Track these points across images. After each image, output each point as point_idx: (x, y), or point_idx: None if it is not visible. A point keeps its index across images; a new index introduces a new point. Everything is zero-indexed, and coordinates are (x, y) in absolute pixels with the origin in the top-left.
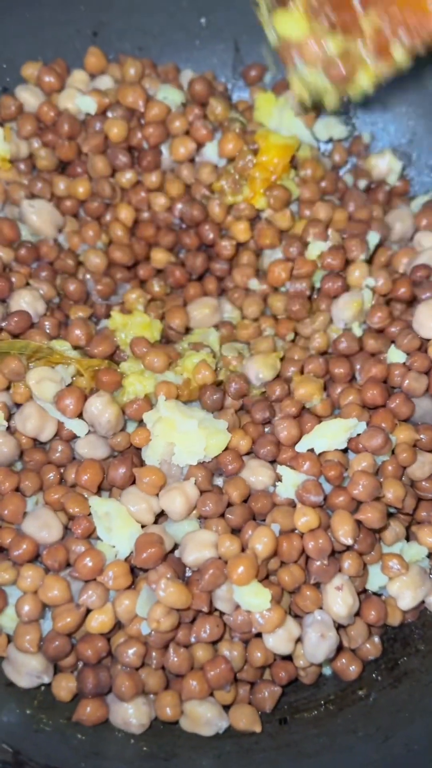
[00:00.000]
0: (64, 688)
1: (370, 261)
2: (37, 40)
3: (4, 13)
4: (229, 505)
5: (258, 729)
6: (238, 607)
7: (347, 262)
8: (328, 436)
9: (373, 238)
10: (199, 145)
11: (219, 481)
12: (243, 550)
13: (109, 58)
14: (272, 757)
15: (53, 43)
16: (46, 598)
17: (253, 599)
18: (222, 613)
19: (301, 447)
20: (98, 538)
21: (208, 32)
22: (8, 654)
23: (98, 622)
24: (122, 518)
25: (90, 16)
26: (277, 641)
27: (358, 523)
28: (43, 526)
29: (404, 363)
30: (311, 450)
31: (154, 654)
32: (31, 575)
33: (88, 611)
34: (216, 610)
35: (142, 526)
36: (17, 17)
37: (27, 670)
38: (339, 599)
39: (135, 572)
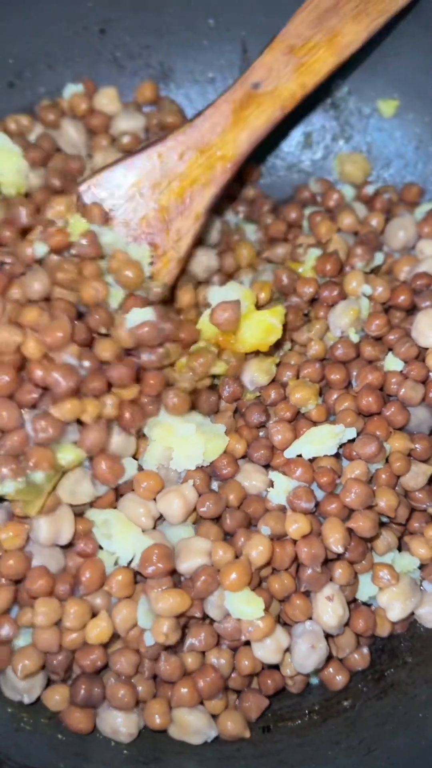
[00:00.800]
0: (55, 699)
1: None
2: (44, 36)
3: (10, 10)
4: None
5: (247, 735)
6: (228, 614)
7: (342, 270)
8: (315, 442)
9: (378, 258)
10: None
11: (214, 486)
12: (236, 557)
13: (116, 55)
14: (253, 765)
15: (60, 39)
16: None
17: (245, 607)
18: (212, 621)
19: (290, 453)
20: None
21: (215, 33)
22: None
23: (97, 631)
24: (121, 524)
25: (97, 13)
26: (266, 651)
27: (350, 531)
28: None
29: (401, 371)
30: (300, 455)
31: (146, 663)
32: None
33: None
34: (207, 617)
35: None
36: (24, 13)
37: (12, 684)
38: (329, 609)
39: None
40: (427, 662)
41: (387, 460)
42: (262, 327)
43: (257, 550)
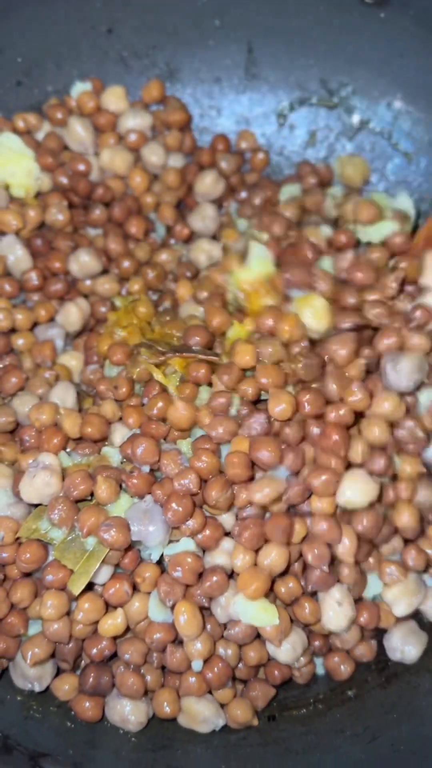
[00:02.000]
0: (64, 689)
1: None
2: (52, 36)
3: (19, 9)
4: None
5: (255, 723)
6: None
7: None
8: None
9: None
10: None
11: None
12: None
13: (123, 55)
14: (259, 753)
15: (68, 39)
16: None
17: (261, 614)
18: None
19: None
20: None
21: (222, 33)
22: None
23: (110, 624)
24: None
25: (105, 13)
26: (282, 654)
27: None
28: None
29: None
30: None
31: (155, 653)
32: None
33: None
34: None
35: None
36: (33, 12)
37: (22, 672)
38: (340, 613)
39: None
40: (430, 652)
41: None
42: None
43: (271, 557)
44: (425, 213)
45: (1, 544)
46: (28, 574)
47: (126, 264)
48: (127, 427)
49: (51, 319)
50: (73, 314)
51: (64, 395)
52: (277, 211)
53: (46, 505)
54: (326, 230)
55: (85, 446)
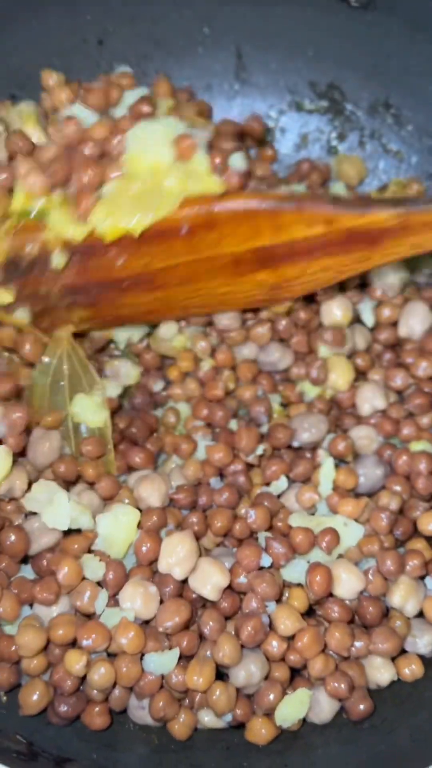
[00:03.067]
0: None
1: None
2: (44, 48)
3: (11, 22)
4: None
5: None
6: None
7: None
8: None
9: None
10: None
11: None
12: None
13: (114, 65)
14: (279, 748)
15: (60, 51)
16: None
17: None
18: None
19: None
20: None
21: (210, 40)
22: None
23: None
24: None
25: (96, 24)
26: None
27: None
28: None
29: None
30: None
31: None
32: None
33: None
34: None
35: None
36: (24, 25)
37: None
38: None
39: None
40: None
41: None
42: None
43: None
44: None
45: None
46: None
47: None
48: None
49: None
50: None
51: None
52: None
53: None
54: None
55: None
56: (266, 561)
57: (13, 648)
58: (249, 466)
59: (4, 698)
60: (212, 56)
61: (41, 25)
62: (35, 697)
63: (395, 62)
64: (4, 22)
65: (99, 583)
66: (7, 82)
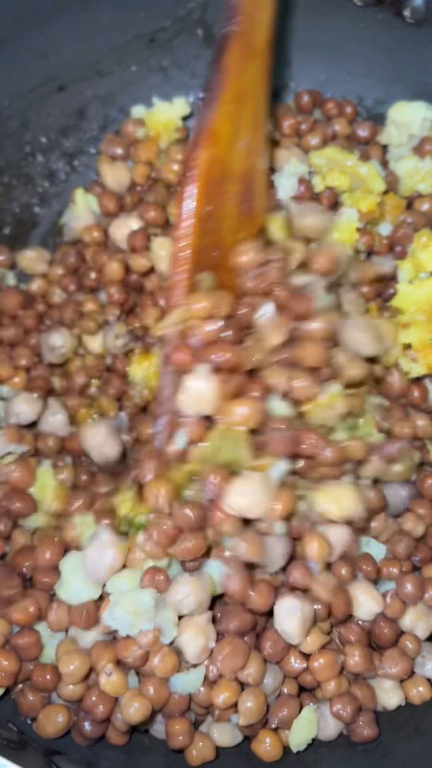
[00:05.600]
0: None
1: None
2: (94, 43)
3: (62, 15)
4: None
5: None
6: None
7: None
8: None
9: None
10: None
11: None
12: None
13: (164, 65)
14: (272, 764)
15: (110, 46)
16: None
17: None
18: None
19: None
20: None
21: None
22: None
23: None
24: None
25: (147, 22)
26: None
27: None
28: None
29: None
30: None
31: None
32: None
33: None
34: None
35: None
36: (76, 19)
37: None
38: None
39: None
40: None
41: None
42: None
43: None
44: None
45: None
46: None
47: None
48: None
49: None
50: None
51: None
52: None
53: None
54: None
55: None
56: None
57: (48, 677)
58: None
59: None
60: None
61: (92, 20)
62: (60, 720)
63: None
64: (56, 15)
65: None
66: (55, 73)
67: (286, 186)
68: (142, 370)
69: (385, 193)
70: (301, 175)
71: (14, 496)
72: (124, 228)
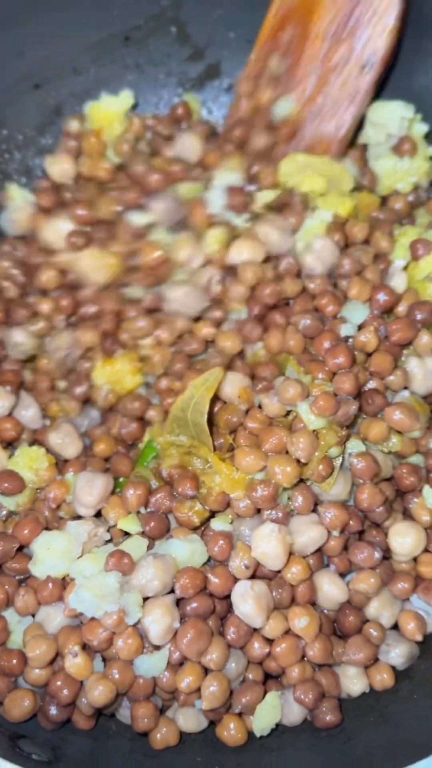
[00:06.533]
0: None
1: None
2: (69, 41)
3: (38, 14)
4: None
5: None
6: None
7: None
8: None
9: None
10: None
11: None
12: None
13: (140, 62)
14: (236, 749)
15: (86, 46)
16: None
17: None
18: None
19: None
20: None
21: (236, 44)
22: None
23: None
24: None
25: (121, 20)
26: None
27: None
28: None
29: None
30: None
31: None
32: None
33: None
34: None
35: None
36: (52, 18)
37: None
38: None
39: None
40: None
41: None
42: None
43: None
44: None
45: None
46: None
47: None
48: None
49: None
50: None
51: None
52: None
53: None
54: None
55: None
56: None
57: (15, 662)
58: None
59: None
60: (239, 59)
61: (67, 18)
62: (26, 705)
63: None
64: (31, 14)
65: None
66: (32, 71)
67: (217, 198)
68: (105, 375)
69: (358, 190)
70: (234, 185)
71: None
72: (54, 229)
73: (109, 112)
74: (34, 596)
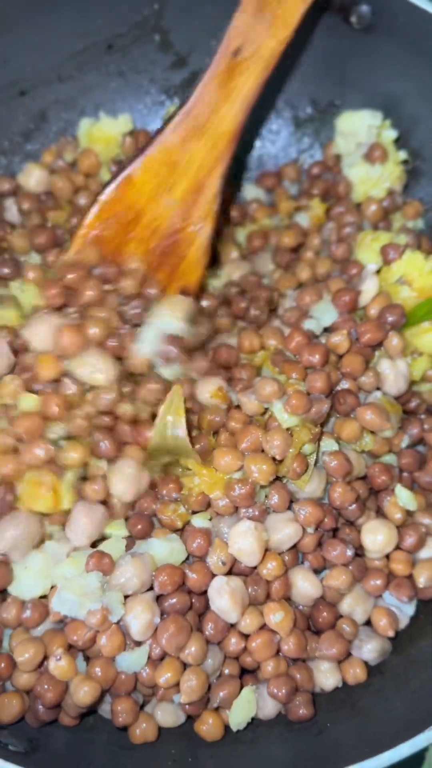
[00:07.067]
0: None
1: None
2: (54, 48)
3: (20, 21)
4: None
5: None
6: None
7: None
8: None
9: None
10: None
11: None
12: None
13: (123, 70)
14: (207, 742)
15: (70, 54)
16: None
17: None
18: None
19: None
20: None
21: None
22: None
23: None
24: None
25: (105, 29)
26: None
27: None
28: None
29: None
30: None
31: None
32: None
33: None
34: None
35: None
36: (34, 25)
37: None
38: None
39: None
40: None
41: None
42: None
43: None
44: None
45: None
46: None
47: None
48: None
49: None
50: None
51: None
52: None
53: None
54: None
55: None
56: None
57: (2, 665)
58: None
59: None
60: None
61: (51, 25)
62: (14, 707)
63: (393, 84)
64: (16, 22)
65: None
66: (17, 79)
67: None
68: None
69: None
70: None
71: None
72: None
73: (107, 134)
74: (19, 607)
